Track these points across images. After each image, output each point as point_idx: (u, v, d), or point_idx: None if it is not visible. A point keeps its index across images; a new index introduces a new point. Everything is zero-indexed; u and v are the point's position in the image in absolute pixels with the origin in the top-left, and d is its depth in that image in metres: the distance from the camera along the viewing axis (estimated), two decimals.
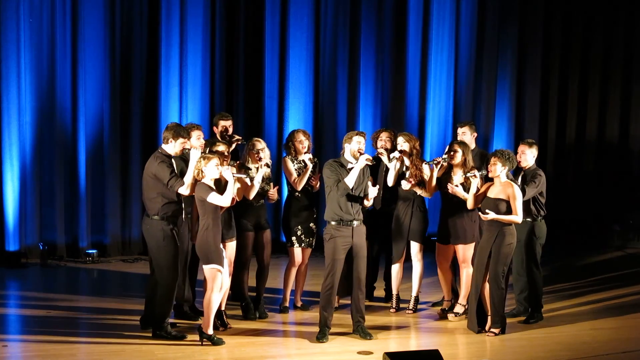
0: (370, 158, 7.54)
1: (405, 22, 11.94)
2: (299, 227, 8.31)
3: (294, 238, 8.33)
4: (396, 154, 8.27)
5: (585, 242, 12.46)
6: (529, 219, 8.06)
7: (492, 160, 7.68)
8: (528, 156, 8.17)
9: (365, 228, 7.66)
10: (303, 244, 8.35)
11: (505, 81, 12.48)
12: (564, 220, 12.54)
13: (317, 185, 8.32)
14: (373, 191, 7.60)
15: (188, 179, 7.25)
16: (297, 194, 8.30)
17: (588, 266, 11.20)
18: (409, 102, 12.03)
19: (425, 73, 12.04)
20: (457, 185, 8.04)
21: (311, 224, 8.37)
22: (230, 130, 8.56)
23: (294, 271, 8.42)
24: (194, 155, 7.28)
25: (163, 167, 7.28)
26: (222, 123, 8.56)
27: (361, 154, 7.54)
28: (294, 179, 8.25)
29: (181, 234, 7.74)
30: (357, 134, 7.69)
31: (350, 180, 7.47)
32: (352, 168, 7.52)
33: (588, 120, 12.88)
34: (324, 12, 11.59)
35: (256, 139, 8.21)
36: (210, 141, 7.90)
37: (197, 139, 7.78)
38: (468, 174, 7.82)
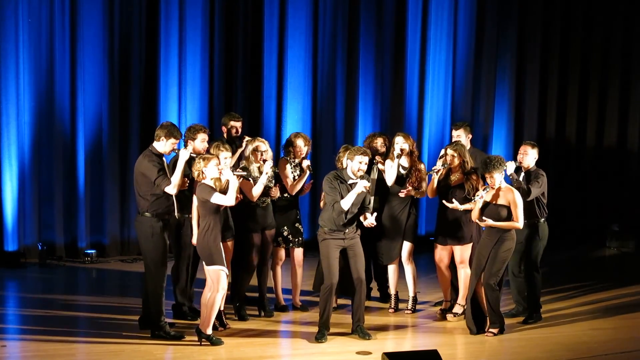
0: (368, 186, 7.49)
1: (403, 22, 11.93)
2: (285, 227, 8.33)
3: (280, 239, 8.35)
4: (397, 151, 8.27)
5: (584, 242, 12.47)
6: (532, 220, 8.06)
7: (488, 176, 7.65)
8: (530, 157, 8.16)
9: (359, 230, 7.69)
10: (291, 244, 8.38)
11: (504, 82, 12.48)
12: (562, 220, 12.54)
13: (304, 193, 8.37)
14: (360, 184, 7.51)
15: (176, 178, 7.25)
16: (285, 194, 8.32)
17: (587, 266, 11.21)
18: (407, 103, 12.02)
19: (423, 73, 12.03)
20: (452, 203, 8.01)
21: (297, 224, 8.39)
22: (240, 130, 8.59)
23: (279, 270, 8.46)
24: (183, 155, 7.31)
25: (151, 166, 7.31)
26: (232, 123, 8.60)
27: (362, 178, 7.49)
28: (289, 183, 8.27)
29: (182, 234, 7.77)
30: (361, 154, 7.57)
31: (346, 203, 7.47)
32: (352, 184, 7.51)
33: (587, 121, 12.88)
34: (323, 12, 11.59)
35: (260, 139, 8.21)
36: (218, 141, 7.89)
37: (201, 142, 7.79)
38: (476, 197, 7.73)
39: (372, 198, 8.00)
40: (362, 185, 7.45)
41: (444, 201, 8.08)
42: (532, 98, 12.65)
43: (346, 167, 7.66)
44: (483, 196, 7.67)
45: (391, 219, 8.41)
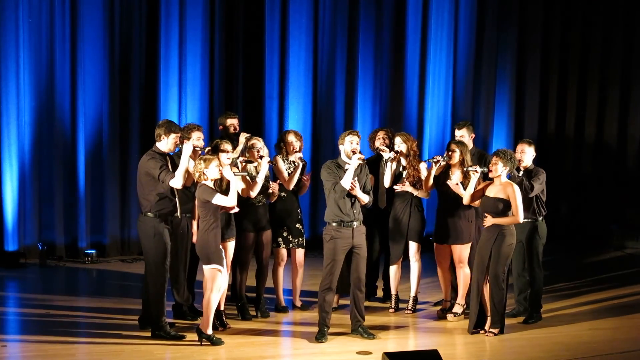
0: (363, 157, 7.53)
1: (403, 22, 11.95)
2: (285, 227, 8.34)
3: (279, 239, 8.36)
4: (391, 154, 8.28)
5: (583, 242, 12.47)
6: (531, 218, 8.06)
7: (493, 159, 7.65)
8: (528, 155, 8.16)
9: (365, 228, 7.67)
10: (291, 245, 8.38)
11: (504, 81, 12.49)
12: (562, 220, 12.55)
13: (306, 187, 8.34)
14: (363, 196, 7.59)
15: (180, 172, 7.26)
16: (282, 194, 8.32)
17: (587, 266, 11.20)
18: (407, 102, 12.04)
19: (423, 73, 12.05)
20: (456, 184, 8.03)
21: (297, 225, 8.39)
22: (237, 128, 8.61)
23: (280, 270, 8.44)
24: (187, 149, 7.31)
25: (153, 163, 7.32)
26: (230, 121, 8.62)
27: (354, 153, 7.53)
28: (285, 179, 8.28)
29: (180, 234, 7.77)
30: (349, 134, 7.66)
31: (346, 181, 7.47)
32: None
33: (587, 120, 12.89)
34: (323, 12, 11.60)
35: (255, 137, 8.23)
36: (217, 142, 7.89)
37: (197, 140, 7.79)
38: (469, 169, 7.80)
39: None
40: (357, 158, 7.45)
41: (448, 182, 8.03)
42: (532, 98, 12.65)
43: (340, 154, 7.67)
44: (478, 171, 7.71)
45: (393, 220, 8.41)
